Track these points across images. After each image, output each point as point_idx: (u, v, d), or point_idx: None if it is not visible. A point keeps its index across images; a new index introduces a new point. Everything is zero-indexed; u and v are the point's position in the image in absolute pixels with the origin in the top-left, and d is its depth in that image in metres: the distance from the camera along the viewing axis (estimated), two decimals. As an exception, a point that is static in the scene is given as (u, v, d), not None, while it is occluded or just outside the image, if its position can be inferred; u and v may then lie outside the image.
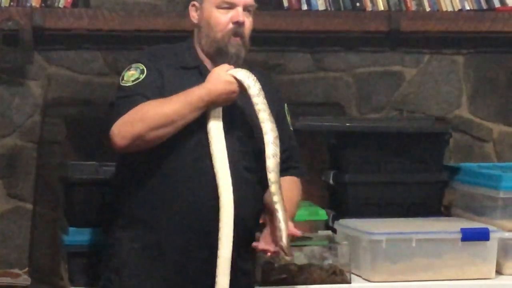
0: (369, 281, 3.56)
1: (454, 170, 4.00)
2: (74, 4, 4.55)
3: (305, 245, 3.53)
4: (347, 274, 3.52)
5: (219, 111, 3.10)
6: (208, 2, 3.17)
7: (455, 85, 4.97)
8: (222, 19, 3.15)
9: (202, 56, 3.21)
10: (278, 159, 3.05)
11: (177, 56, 3.22)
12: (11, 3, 4.48)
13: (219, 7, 3.15)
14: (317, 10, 4.70)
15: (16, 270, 4.60)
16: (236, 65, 3.15)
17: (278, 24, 4.67)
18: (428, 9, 4.80)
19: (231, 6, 3.15)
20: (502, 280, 3.67)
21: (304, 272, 3.51)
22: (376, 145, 4.01)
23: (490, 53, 4.97)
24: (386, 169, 3.92)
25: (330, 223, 3.86)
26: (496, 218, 3.70)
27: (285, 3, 4.70)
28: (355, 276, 3.56)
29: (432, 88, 4.94)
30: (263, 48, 4.79)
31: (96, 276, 3.32)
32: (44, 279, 4.59)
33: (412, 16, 4.76)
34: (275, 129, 3.06)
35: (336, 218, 3.88)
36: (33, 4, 4.49)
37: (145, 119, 3.00)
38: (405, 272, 3.56)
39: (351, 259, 3.53)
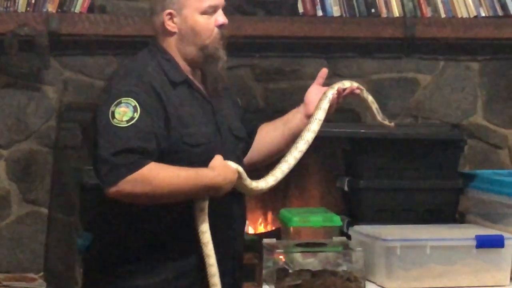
0: None
1: (469, 177, 3.99)
2: (90, 10, 4.58)
3: (319, 251, 3.53)
4: (362, 281, 3.50)
5: None
6: (189, 8, 3.02)
7: (470, 92, 4.97)
8: (209, 25, 3.03)
9: (185, 67, 3.07)
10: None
11: (161, 71, 3.03)
12: (28, 9, 4.51)
13: (204, 12, 3.02)
14: (332, 16, 4.72)
15: (32, 275, 4.63)
16: (222, 69, 3.09)
17: (293, 30, 4.69)
18: (443, 15, 4.81)
19: (214, 10, 3.05)
20: (517, 287, 3.66)
21: (318, 279, 3.49)
22: (391, 152, 3.99)
23: (505, 60, 4.97)
24: (400, 176, 3.90)
25: (345, 229, 3.85)
26: (511, 225, 3.68)
27: (300, 9, 4.71)
28: (370, 283, 3.55)
29: (447, 95, 4.94)
30: (278, 54, 4.81)
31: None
32: (59, 283, 4.60)
33: (427, 22, 4.78)
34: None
35: (350, 224, 3.87)
36: (49, 9, 4.52)
37: (156, 191, 2.87)
38: (419, 278, 3.55)
39: (366, 266, 3.52)
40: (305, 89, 4.83)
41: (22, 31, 4.46)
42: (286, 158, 3.14)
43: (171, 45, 3.07)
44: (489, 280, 3.58)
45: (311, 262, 3.53)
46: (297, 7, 4.72)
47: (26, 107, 4.65)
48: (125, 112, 2.89)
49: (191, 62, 3.08)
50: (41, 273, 4.63)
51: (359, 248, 3.54)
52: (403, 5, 4.79)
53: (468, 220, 3.95)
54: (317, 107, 3.20)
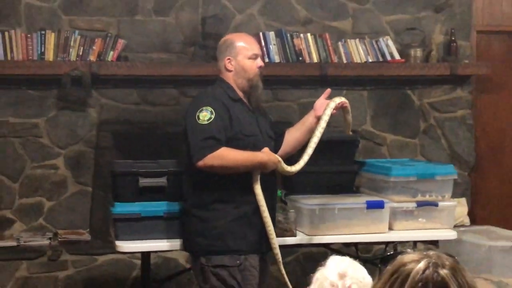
0: (308, 235, 3.56)
1: (362, 164, 4.02)
2: (118, 59, 4.56)
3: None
4: (294, 231, 3.52)
5: None
6: (241, 55, 3.13)
7: (362, 110, 5.00)
8: (253, 66, 3.15)
9: (238, 92, 3.17)
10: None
11: (224, 93, 3.13)
12: (77, 58, 4.49)
13: (250, 58, 3.14)
14: (274, 62, 4.72)
15: (81, 230, 4.62)
16: (260, 94, 3.21)
17: (249, 71, 4.68)
18: (345, 61, 4.84)
19: (256, 56, 3.17)
20: (392, 233, 3.68)
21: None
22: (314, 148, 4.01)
23: (384, 89, 5.01)
24: (319, 163, 3.89)
25: (283, 198, 3.85)
26: (388, 194, 3.72)
27: (254, 58, 4.71)
28: (299, 232, 3.57)
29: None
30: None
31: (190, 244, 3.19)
32: (99, 236, 4.59)
33: (335, 65, 4.79)
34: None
35: (287, 194, 3.87)
36: (91, 58, 4.50)
37: (228, 164, 3.00)
38: (331, 229, 3.57)
39: (296, 221, 3.54)
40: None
41: (73, 73, 4.43)
42: (309, 145, 3.25)
43: (230, 78, 3.17)
44: (375, 229, 3.62)
45: (262, 219, 3.53)
46: (251, 56, 4.72)
47: (77, 122, 4.62)
48: (205, 115, 3.03)
49: (241, 89, 3.18)
50: (88, 229, 4.62)
51: (292, 210, 3.56)
52: (319, 54, 4.80)
53: (361, 191, 3.98)
54: (324, 112, 3.27)
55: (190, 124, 3.05)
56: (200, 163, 2.98)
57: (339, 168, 3.96)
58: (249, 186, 3.08)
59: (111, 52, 4.53)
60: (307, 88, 4.90)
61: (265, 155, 3.08)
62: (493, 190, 5.29)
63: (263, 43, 4.70)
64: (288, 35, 4.75)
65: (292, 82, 4.88)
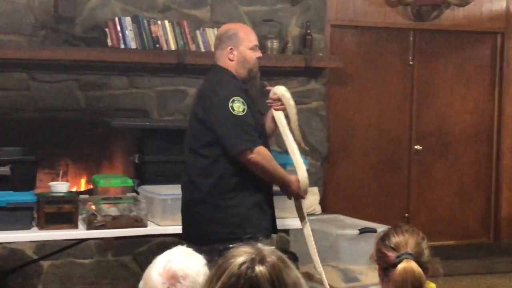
0: (159, 225, 3.53)
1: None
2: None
3: (118, 203, 3.47)
4: (145, 221, 3.49)
5: None
6: (243, 46, 3.12)
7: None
8: (253, 56, 3.14)
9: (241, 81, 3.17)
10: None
11: (236, 83, 3.10)
12: None
13: (252, 49, 3.13)
14: (130, 48, 4.62)
15: None
16: (258, 84, 3.28)
17: (104, 56, 4.57)
18: (203, 49, 4.82)
19: (256, 47, 3.17)
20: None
21: (117, 221, 3.44)
22: (167, 137, 3.99)
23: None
24: (171, 153, 3.89)
25: (135, 188, 3.81)
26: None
27: (109, 43, 4.60)
28: (150, 222, 3.54)
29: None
30: (94, 72, 4.67)
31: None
32: None
33: (193, 54, 4.77)
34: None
35: (139, 184, 3.83)
36: None
37: (269, 168, 3.02)
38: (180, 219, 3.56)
39: (148, 211, 3.50)
40: (111, 96, 4.73)
41: None
42: (295, 161, 3.23)
43: (231, 67, 3.14)
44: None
45: (113, 209, 3.47)
46: (107, 41, 4.60)
47: None
48: (239, 106, 2.99)
49: (241, 79, 3.15)
50: None
51: (144, 200, 3.52)
52: (177, 42, 4.75)
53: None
54: (278, 118, 3.26)
55: (223, 115, 2.98)
56: (250, 155, 2.97)
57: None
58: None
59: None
60: (164, 76, 4.84)
61: (293, 179, 3.15)
62: (343, 180, 5.48)
63: (118, 28, 4.58)
64: (145, 21, 4.66)
65: (149, 69, 4.80)
